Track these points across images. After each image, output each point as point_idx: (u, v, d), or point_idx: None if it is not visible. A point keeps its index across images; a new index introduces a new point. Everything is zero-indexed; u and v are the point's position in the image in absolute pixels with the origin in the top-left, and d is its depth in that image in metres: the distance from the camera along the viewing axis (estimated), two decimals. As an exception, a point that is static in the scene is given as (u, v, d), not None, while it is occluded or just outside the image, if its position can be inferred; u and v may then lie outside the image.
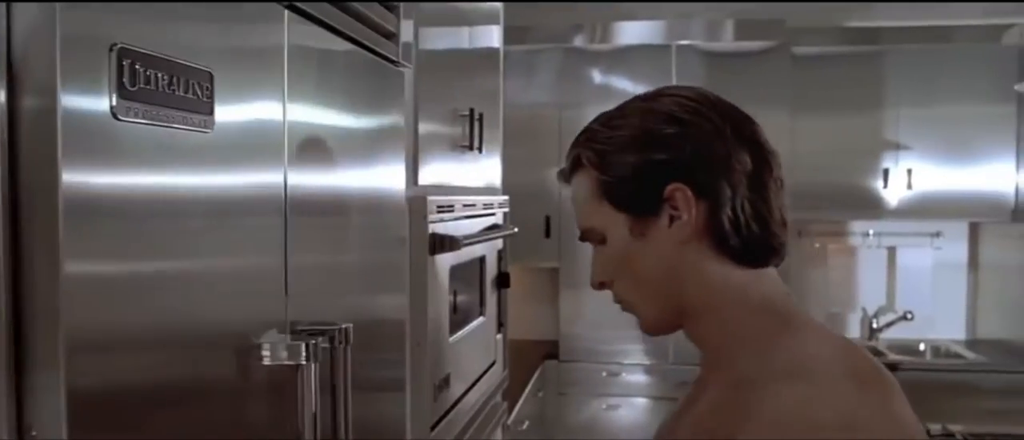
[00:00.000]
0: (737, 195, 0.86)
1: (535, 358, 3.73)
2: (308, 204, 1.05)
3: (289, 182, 0.99)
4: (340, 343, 1.02)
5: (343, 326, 1.03)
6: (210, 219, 0.84)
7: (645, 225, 0.89)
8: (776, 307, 0.89)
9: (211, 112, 0.80)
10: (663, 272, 0.90)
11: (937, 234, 4.13)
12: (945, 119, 3.75)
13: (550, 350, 3.83)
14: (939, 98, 3.76)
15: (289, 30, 0.99)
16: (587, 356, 3.76)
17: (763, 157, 0.89)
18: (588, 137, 0.92)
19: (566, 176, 0.96)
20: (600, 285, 0.96)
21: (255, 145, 0.93)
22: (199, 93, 0.78)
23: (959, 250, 4.18)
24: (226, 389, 0.88)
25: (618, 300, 0.96)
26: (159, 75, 0.72)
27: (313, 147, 1.08)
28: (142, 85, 0.69)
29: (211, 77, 0.80)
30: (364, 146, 1.29)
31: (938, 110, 3.76)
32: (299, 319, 1.02)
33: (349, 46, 1.19)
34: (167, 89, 0.73)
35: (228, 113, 0.84)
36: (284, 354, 0.93)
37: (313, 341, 0.94)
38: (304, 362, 0.93)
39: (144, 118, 0.70)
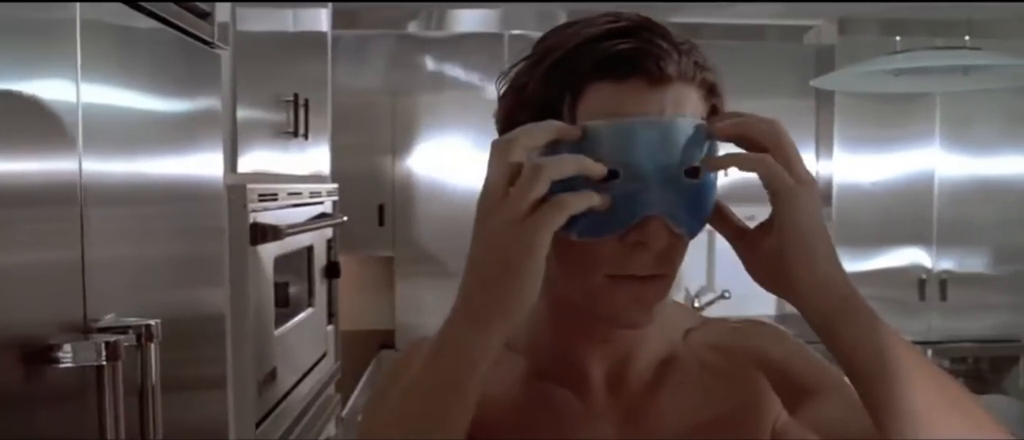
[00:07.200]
0: None
1: (370, 348, 3.68)
2: (108, 193, 0.98)
3: (84, 169, 0.91)
4: (146, 341, 0.96)
5: (148, 322, 0.96)
6: (-12, 210, 0.76)
7: None
8: None
9: (-15, 91, 0.72)
10: None
11: (751, 218, 4.41)
12: (753, 112, 4.01)
13: (385, 340, 3.79)
14: (748, 92, 4.02)
15: (82, 3, 0.91)
16: (424, 344, 3.75)
17: None
18: (696, 51, 0.66)
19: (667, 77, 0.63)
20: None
21: (43, 128, 0.85)
22: (-31, 70, 0.70)
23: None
24: (16, 397, 0.81)
25: (655, 293, 0.67)
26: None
27: (113, 132, 1.00)
28: None
29: (-16, 52, 0.72)
30: (175, 131, 1.22)
31: (747, 104, 3.99)
32: (100, 317, 0.95)
33: (154, 24, 1.12)
34: (-73, 64, 0.65)
35: (10, 91, 0.76)
36: (80, 355, 0.86)
37: (114, 339, 0.87)
38: (104, 362, 0.87)
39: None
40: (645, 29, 0.64)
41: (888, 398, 0.58)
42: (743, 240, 0.67)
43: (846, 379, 0.72)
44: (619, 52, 0.63)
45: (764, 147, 0.62)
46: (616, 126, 0.61)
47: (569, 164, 0.58)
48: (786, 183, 0.60)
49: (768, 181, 0.61)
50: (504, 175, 0.58)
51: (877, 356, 0.59)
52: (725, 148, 0.67)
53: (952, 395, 0.60)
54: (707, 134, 0.64)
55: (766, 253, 0.64)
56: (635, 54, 0.62)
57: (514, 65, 0.69)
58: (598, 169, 0.60)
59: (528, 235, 0.57)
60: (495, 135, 0.68)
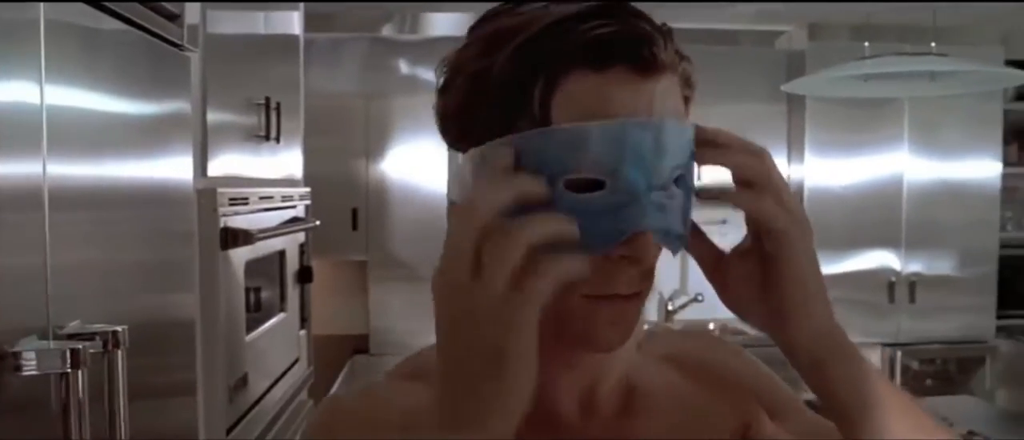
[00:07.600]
0: None
1: (343, 353, 3.66)
2: (73, 197, 0.96)
3: (49, 172, 0.90)
4: (112, 347, 0.94)
5: (115, 329, 0.95)
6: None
7: None
8: None
9: (-55, 93, 0.71)
10: None
11: (723, 222, 4.44)
12: (726, 117, 4.03)
13: (359, 344, 3.77)
14: (721, 97, 4.05)
15: (45, 3, 0.90)
16: (399, 349, 3.73)
17: None
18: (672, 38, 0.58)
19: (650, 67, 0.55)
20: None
21: (5, 131, 0.83)
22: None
23: (741, 236, 4.53)
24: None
25: (635, 312, 0.62)
26: None
27: (79, 135, 0.98)
28: None
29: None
30: (143, 135, 1.20)
31: (720, 109, 4.04)
32: (65, 323, 0.93)
33: (121, 25, 1.10)
34: None
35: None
36: (44, 362, 0.84)
37: (79, 346, 0.86)
38: (69, 369, 0.85)
39: None
40: (627, 11, 0.56)
41: (870, 430, 0.58)
42: (719, 267, 0.63)
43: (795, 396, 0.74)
44: (602, 35, 0.53)
45: (750, 182, 0.57)
46: (604, 128, 0.52)
47: (548, 226, 0.49)
48: (785, 224, 0.56)
49: (765, 221, 0.56)
50: (471, 245, 0.48)
51: (860, 390, 0.59)
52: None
53: (920, 421, 0.61)
54: (692, 157, 0.58)
55: (750, 286, 0.60)
56: (622, 37, 0.53)
57: (459, 50, 0.59)
58: (574, 232, 0.50)
59: (515, 315, 0.47)
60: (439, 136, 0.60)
